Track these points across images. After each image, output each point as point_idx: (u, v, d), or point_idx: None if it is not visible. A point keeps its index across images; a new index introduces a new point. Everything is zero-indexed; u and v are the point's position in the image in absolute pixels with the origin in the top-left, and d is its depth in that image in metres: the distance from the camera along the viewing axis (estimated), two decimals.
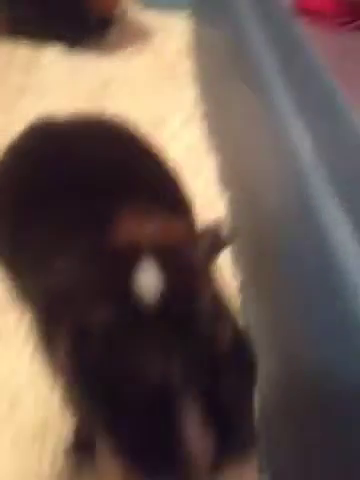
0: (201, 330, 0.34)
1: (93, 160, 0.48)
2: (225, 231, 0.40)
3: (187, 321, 0.33)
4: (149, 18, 1.30)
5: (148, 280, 0.33)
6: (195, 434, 0.33)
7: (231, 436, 0.36)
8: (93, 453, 0.56)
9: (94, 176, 0.46)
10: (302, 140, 0.54)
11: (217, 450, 0.35)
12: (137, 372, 0.33)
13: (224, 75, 0.93)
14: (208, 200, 0.81)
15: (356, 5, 1.41)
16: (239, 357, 0.36)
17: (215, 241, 0.39)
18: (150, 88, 1.11)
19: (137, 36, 1.25)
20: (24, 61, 1.09)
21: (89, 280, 0.35)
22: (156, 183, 0.50)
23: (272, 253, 0.59)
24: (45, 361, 0.44)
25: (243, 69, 0.79)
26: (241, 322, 0.45)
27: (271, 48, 0.71)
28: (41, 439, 0.58)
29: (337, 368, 0.41)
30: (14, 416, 0.59)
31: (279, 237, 0.57)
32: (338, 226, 0.43)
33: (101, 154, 0.49)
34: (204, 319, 0.34)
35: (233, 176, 0.85)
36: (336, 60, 1.27)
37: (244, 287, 0.71)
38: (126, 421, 0.34)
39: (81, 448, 0.56)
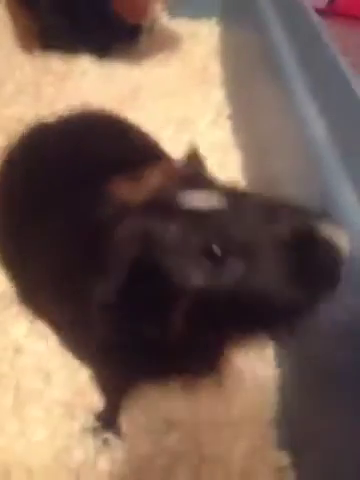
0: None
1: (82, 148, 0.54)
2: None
3: None
4: (177, 26, 1.34)
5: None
6: None
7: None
8: (117, 431, 0.60)
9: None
10: (323, 139, 0.57)
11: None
12: None
13: (250, 77, 0.96)
14: None
15: None
16: None
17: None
18: (179, 93, 1.15)
19: (166, 43, 1.29)
20: (57, 73, 1.13)
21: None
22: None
23: None
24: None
25: (267, 70, 0.82)
26: None
27: (293, 49, 0.74)
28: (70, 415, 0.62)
29: None
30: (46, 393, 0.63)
31: None
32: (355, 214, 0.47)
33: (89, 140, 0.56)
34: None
35: (256, 172, 0.88)
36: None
37: None
38: None
39: (107, 426, 0.61)
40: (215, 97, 1.14)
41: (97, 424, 0.61)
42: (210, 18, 1.37)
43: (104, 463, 0.58)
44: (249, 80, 0.97)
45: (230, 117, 1.08)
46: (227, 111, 1.09)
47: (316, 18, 0.70)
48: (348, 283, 0.37)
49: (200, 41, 1.31)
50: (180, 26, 1.34)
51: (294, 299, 0.35)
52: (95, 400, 0.62)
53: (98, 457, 0.59)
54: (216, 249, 0.35)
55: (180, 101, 1.12)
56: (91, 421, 0.61)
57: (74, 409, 0.62)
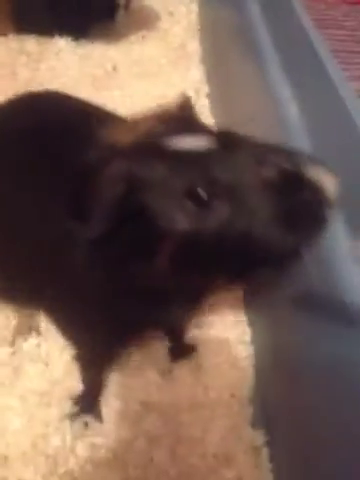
0: None
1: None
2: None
3: None
4: (155, 4, 1.30)
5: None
6: None
7: None
8: (98, 414, 0.60)
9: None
10: (295, 120, 0.56)
11: None
12: None
13: (227, 55, 0.94)
14: None
15: None
16: None
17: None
18: (157, 72, 1.13)
19: (143, 22, 1.26)
20: (31, 54, 1.10)
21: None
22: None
23: None
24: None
25: (243, 48, 0.81)
26: None
27: (269, 26, 0.72)
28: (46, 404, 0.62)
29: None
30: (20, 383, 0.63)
31: None
32: None
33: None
34: None
35: None
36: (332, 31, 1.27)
37: None
38: None
39: (87, 409, 0.60)
40: (193, 76, 1.12)
41: (76, 408, 0.61)
42: None
43: (82, 449, 0.59)
44: (226, 58, 0.95)
45: (208, 96, 1.06)
46: (205, 89, 1.07)
47: None
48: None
49: (178, 19, 1.28)
50: (157, 4, 1.31)
51: (280, 241, 0.36)
52: (71, 388, 0.62)
53: (75, 443, 0.59)
54: (201, 192, 0.35)
55: (158, 80, 1.10)
56: (69, 407, 0.61)
57: (50, 398, 0.61)
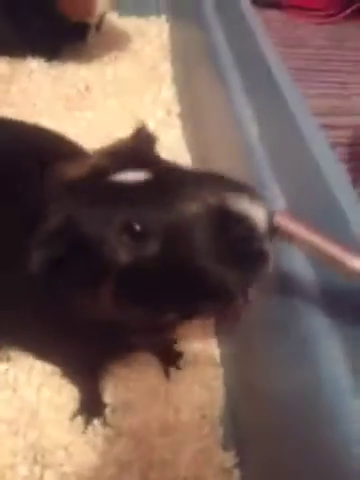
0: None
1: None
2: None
3: None
4: (126, 24, 1.32)
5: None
6: None
7: None
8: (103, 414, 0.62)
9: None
10: (256, 141, 0.57)
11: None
12: None
13: (195, 76, 0.96)
14: None
15: None
16: None
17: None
18: (129, 92, 1.13)
19: (115, 42, 1.27)
20: (2, 76, 1.10)
21: None
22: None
23: None
24: None
25: (208, 69, 0.82)
26: None
27: (231, 48, 0.73)
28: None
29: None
30: None
31: None
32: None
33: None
34: None
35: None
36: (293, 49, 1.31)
37: None
38: None
39: (92, 413, 0.62)
40: (165, 96, 1.13)
41: (84, 414, 0.61)
42: (159, 16, 1.36)
43: (51, 478, 0.57)
44: (195, 79, 0.96)
45: (180, 115, 1.07)
46: (177, 110, 1.09)
47: (252, 17, 0.70)
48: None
49: (150, 39, 1.30)
50: (129, 24, 1.33)
51: (216, 278, 0.35)
52: (39, 415, 0.61)
53: (44, 472, 0.58)
54: (136, 226, 0.36)
55: (130, 100, 1.11)
56: (34, 437, 0.60)
57: (18, 426, 0.60)
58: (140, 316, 0.39)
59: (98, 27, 1.19)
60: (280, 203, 0.50)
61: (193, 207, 0.36)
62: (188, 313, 0.40)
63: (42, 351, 0.56)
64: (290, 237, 0.36)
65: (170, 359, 0.67)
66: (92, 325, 0.43)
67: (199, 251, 0.35)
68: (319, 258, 0.35)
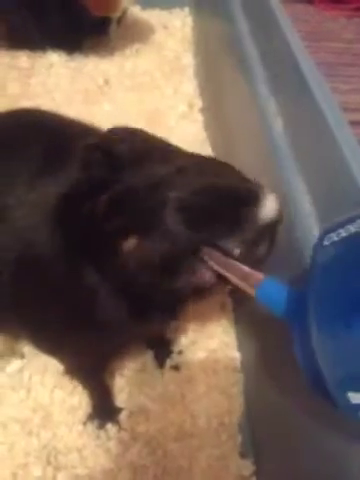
0: None
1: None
2: None
3: None
4: (149, 17, 1.30)
5: None
6: None
7: None
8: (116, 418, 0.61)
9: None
10: (280, 137, 0.54)
11: None
12: None
13: (219, 69, 0.93)
14: None
15: None
16: None
17: None
18: (150, 85, 1.11)
19: (137, 35, 1.25)
20: (22, 69, 1.09)
21: None
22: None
23: None
24: None
25: (232, 63, 0.79)
26: None
27: (256, 41, 0.70)
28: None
29: None
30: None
31: None
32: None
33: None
34: None
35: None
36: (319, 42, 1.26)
37: None
38: None
39: (104, 416, 0.61)
40: (187, 89, 1.10)
41: (96, 418, 0.60)
42: (182, 8, 1.33)
43: (63, 479, 0.56)
44: (218, 72, 0.93)
45: (202, 110, 1.05)
46: (199, 104, 1.06)
47: (279, 10, 0.67)
48: None
49: (172, 32, 1.27)
50: (152, 17, 1.30)
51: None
52: (53, 415, 0.60)
53: (57, 473, 0.56)
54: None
55: (151, 94, 1.09)
56: (48, 437, 0.59)
57: (31, 426, 0.59)
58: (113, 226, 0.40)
59: (119, 21, 1.18)
60: (305, 200, 0.48)
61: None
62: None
63: (55, 346, 0.54)
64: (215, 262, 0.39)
65: (164, 350, 0.66)
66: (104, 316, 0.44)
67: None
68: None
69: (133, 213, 0.39)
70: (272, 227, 0.39)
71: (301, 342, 0.34)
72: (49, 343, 0.54)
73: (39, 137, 0.52)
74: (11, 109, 0.62)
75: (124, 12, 1.16)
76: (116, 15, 1.14)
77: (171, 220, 0.38)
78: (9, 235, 0.46)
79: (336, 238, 0.32)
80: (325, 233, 0.33)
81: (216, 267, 0.40)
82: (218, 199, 0.38)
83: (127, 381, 0.63)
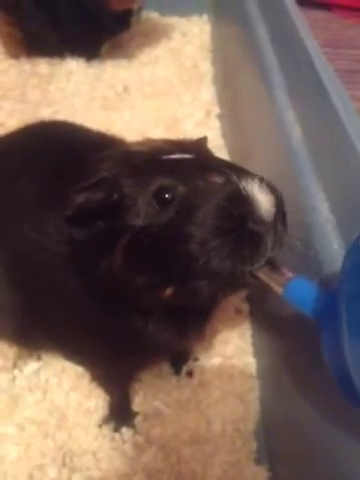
0: None
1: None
2: None
3: None
4: (168, 24, 1.31)
5: None
6: None
7: None
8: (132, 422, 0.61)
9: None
10: (299, 144, 0.55)
11: None
12: None
13: (237, 77, 0.93)
14: None
15: None
16: None
17: None
18: (168, 92, 1.12)
19: (156, 42, 1.26)
20: (42, 76, 1.11)
21: None
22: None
23: None
24: None
25: (251, 70, 0.79)
26: None
27: (275, 49, 0.71)
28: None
29: None
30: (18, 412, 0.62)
31: None
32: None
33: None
34: None
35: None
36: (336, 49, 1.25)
37: None
38: None
39: (121, 420, 0.61)
40: (205, 96, 1.11)
41: (112, 421, 0.61)
42: (201, 16, 1.34)
43: None
44: (236, 80, 0.94)
45: (219, 117, 1.05)
46: (216, 111, 1.06)
47: (297, 17, 0.67)
48: None
49: (190, 39, 1.28)
50: (170, 24, 1.31)
51: (214, 256, 0.37)
52: (69, 417, 0.61)
53: (72, 475, 0.57)
54: (167, 193, 0.39)
55: (169, 101, 1.09)
56: (63, 439, 0.59)
57: (47, 427, 0.60)
58: (143, 283, 0.41)
59: (138, 14, 1.16)
60: (323, 208, 0.48)
61: (208, 185, 0.38)
62: (186, 290, 0.40)
63: (77, 351, 0.55)
64: None
65: (180, 356, 0.66)
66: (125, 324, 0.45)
67: (203, 225, 0.37)
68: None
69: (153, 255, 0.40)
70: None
71: (329, 342, 0.35)
72: (72, 351, 0.55)
73: (51, 155, 0.53)
74: (27, 124, 0.63)
75: (143, 2, 1.15)
76: (136, 6, 1.13)
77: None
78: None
79: None
80: None
81: None
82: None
83: (143, 386, 0.64)
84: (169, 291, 0.40)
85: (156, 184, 0.39)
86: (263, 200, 0.37)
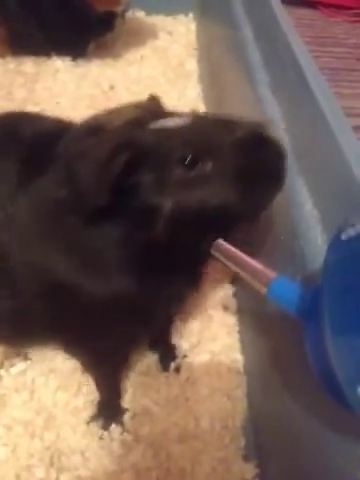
0: None
1: None
2: None
3: None
4: (154, 23, 1.31)
5: None
6: None
7: None
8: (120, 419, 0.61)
9: None
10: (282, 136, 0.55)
11: None
12: None
13: (222, 75, 0.94)
14: None
15: None
16: None
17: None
18: (154, 90, 1.11)
19: (142, 41, 1.26)
20: (28, 75, 1.11)
21: None
22: None
23: None
24: None
25: (235, 68, 0.80)
26: None
27: (259, 47, 0.71)
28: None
29: None
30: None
31: None
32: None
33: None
34: None
35: None
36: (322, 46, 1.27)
37: None
38: None
39: (110, 416, 0.61)
40: (191, 94, 1.11)
41: (101, 418, 0.60)
42: (187, 14, 1.34)
43: None
44: (222, 78, 0.94)
45: (205, 114, 1.05)
46: (202, 108, 1.07)
47: (282, 15, 0.67)
48: None
49: (176, 38, 1.28)
50: (156, 23, 1.32)
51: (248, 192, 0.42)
52: (56, 417, 0.60)
53: (60, 475, 0.57)
54: (188, 156, 0.41)
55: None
56: (51, 439, 0.59)
57: (34, 427, 0.59)
58: (189, 236, 0.43)
59: (123, 15, 1.17)
60: (308, 204, 0.48)
61: (234, 135, 0.43)
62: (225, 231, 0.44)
63: (74, 338, 0.54)
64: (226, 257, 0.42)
65: (168, 353, 0.67)
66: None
67: (239, 172, 0.42)
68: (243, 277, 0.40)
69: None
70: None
71: (313, 340, 0.34)
72: (78, 339, 0.54)
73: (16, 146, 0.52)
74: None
75: (127, 5, 1.16)
76: (120, 9, 1.14)
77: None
78: None
79: (353, 233, 0.31)
80: (342, 228, 0.33)
81: (227, 262, 0.41)
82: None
83: (131, 383, 0.64)
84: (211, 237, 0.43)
85: (176, 151, 0.41)
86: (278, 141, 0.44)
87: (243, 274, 0.39)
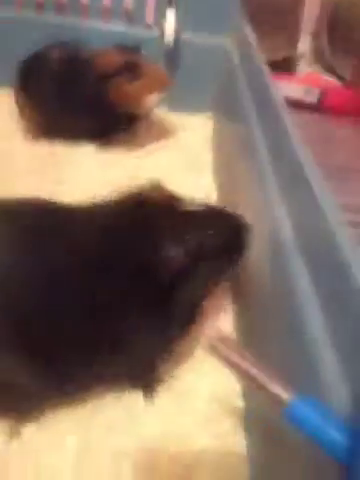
0: None
1: None
2: None
3: None
4: (175, 118, 1.44)
5: None
6: None
7: None
8: None
9: None
10: (290, 242, 0.59)
11: None
12: None
13: (234, 168, 1.02)
14: None
15: None
16: None
17: None
18: (172, 179, 1.20)
19: (163, 134, 1.38)
20: (60, 158, 1.22)
21: None
22: None
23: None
24: None
25: (245, 163, 0.88)
26: None
27: (268, 146, 0.79)
28: None
29: None
30: None
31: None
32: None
33: None
34: None
35: None
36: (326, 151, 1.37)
37: None
38: None
39: None
40: (204, 183, 1.20)
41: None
42: (204, 113, 1.47)
43: None
44: (233, 170, 1.02)
45: (216, 202, 1.12)
46: (214, 197, 1.14)
47: (287, 119, 0.75)
48: None
49: (194, 133, 1.40)
50: (178, 119, 1.45)
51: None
52: None
53: None
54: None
55: (172, 187, 1.17)
56: None
57: None
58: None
59: (146, 118, 1.30)
60: (313, 302, 0.49)
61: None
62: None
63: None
64: (226, 361, 0.35)
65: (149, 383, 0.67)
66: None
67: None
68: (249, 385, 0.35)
69: None
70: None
71: None
72: None
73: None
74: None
75: (151, 110, 1.29)
76: (143, 112, 1.26)
77: None
78: None
79: None
80: None
81: (237, 369, 0.34)
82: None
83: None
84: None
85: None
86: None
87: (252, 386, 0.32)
